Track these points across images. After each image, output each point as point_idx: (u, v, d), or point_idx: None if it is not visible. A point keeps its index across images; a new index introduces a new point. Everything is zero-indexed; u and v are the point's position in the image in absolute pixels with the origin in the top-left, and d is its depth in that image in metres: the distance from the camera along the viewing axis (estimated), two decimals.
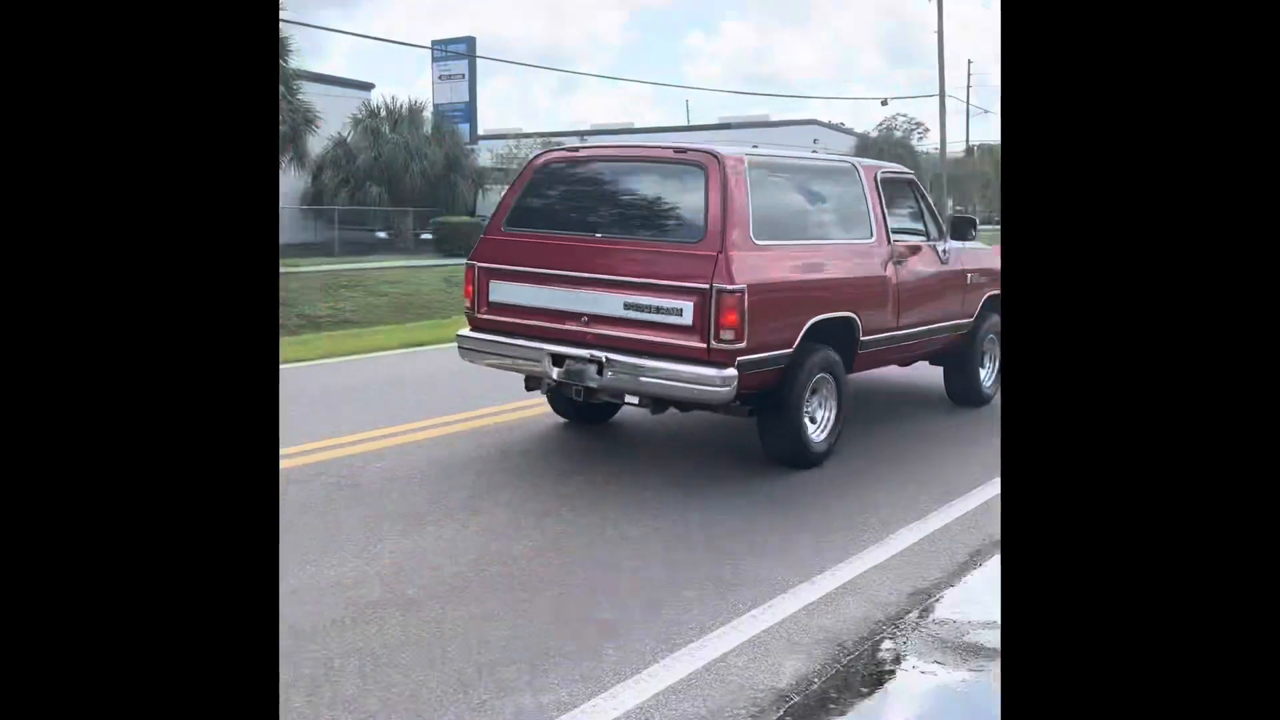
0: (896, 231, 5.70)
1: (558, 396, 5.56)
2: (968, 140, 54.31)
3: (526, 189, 5.31)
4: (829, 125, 48.74)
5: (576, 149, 5.52)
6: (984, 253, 6.70)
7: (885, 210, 5.62)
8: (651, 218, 4.97)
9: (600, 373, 4.68)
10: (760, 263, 4.58)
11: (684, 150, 4.90)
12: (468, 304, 5.36)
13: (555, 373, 4.85)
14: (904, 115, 49.98)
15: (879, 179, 5.75)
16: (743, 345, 4.42)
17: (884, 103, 51.41)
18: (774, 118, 48.11)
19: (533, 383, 5.23)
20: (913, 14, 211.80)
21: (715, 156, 4.65)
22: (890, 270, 5.48)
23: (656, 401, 4.80)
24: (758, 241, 4.63)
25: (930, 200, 6.39)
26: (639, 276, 4.64)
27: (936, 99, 38.77)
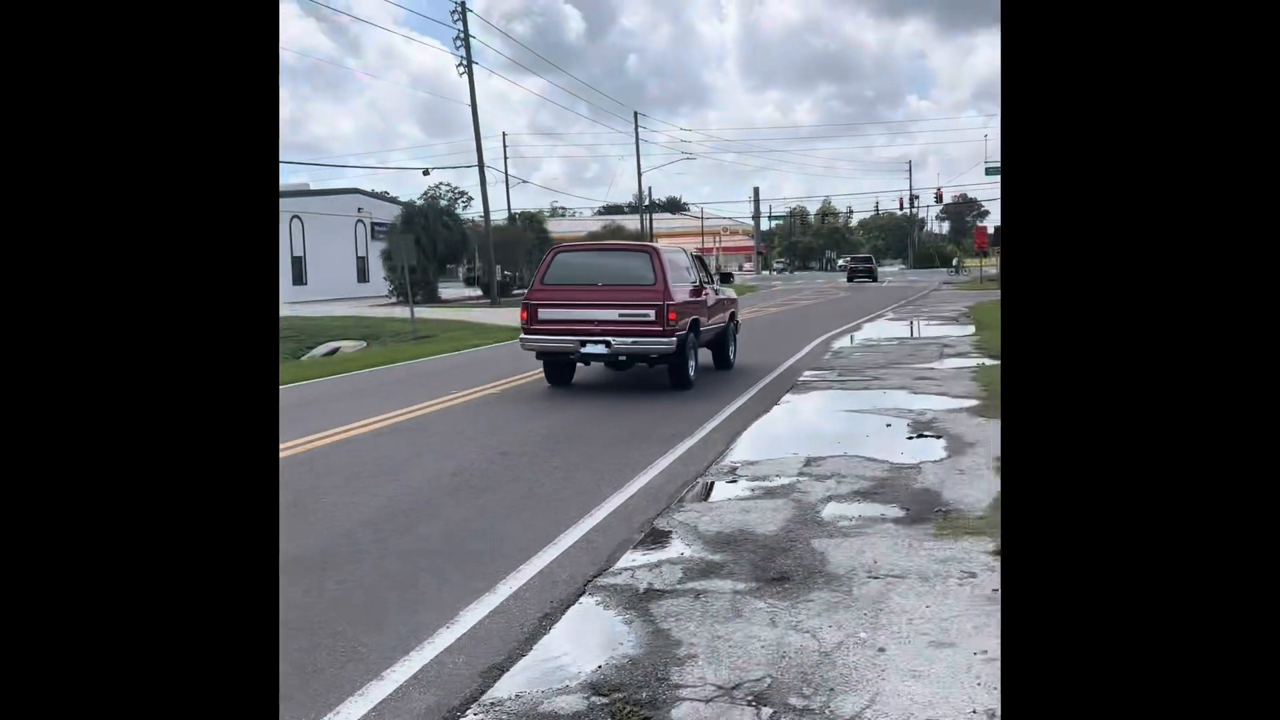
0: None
1: (553, 371, 11.51)
2: (509, 208, 57.56)
3: (550, 264, 11.26)
4: (372, 194, 49.08)
5: (576, 245, 14.14)
6: (729, 291, 14.16)
7: (704, 272, 12.64)
8: (626, 275, 10.83)
9: (608, 346, 10.49)
10: (677, 294, 10.65)
11: (639, 244, 12.45)
12: (523, 318, 10.89)
13: (583, 349, 10.62)
14: (447, 184, 51.37)
15: (699, 257, 13.18)
16: (678, 328, 10.43)
17: (425, 172, 52.93)
18: (314, 186, 47.43)
19: (554, 370, 11.51)
20: (448, 87, 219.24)
21: (655, 248, 11.43)
22: (708, 298, 12.04)
23: (631, 358, 10.86)
24: (672, 285, 10.59)
25: (707, 262, 13.97)
26: (626, 300, 10.47)
27: (476, 169, 40.80)
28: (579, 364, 11.50)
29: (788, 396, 10.62)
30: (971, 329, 19.23)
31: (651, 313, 10.35)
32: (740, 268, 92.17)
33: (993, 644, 3.63)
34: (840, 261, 74.28)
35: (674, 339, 10.40)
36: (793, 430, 8.87)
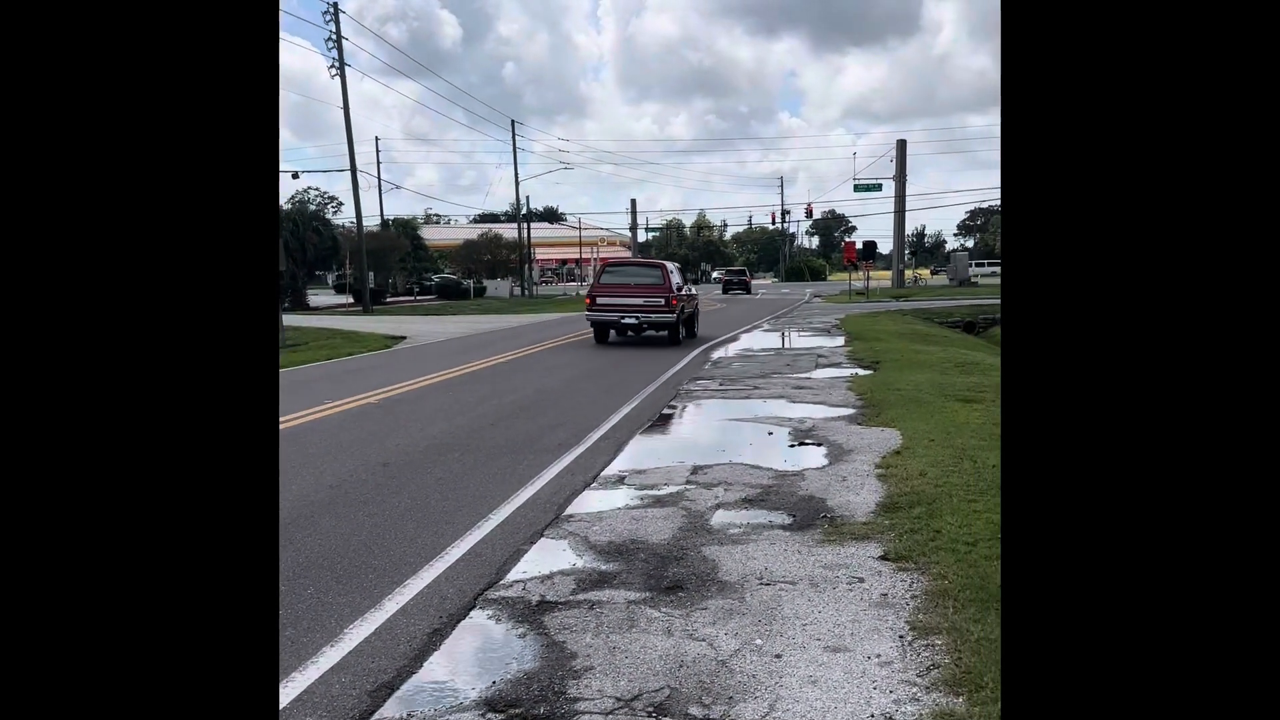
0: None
1: (601, 331, 19.26)
2: (382, 214, 56.29)
3: (602, 273, 20.36)
4: None
5: (617, 260, 27.75)
6: (695, 291, 22.80)
7: (683, 277, 21.68)
8: (647, 279, 19.18)
9: (637, 319, 18.63)
10: (682, 293, 19.41)
11: (656, 261, 22.62)
12: (587, 303, 19.21)
13: (627, 320, 18.66)
14: (316, 189, 49.98)
15: (681, 269, 23.26)
16: (676, 310, 18.56)
17: (295, 176, 51.24)
18: None
19: (601, 331, 19.29)
20: (319, 89, 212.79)
21: (664, 264, 20.05)
22: (687, 294, 20.56)
23: (650, 326, 18.75)
24: (673, 286, 18.84)
25: (681, 267, 25.30)
26: (648, 294, 18.61)
27: (348, 174, 39.73)
28: (614, 333, 19.49)
29: (671, 406, 10.68)
30: (843, 340, 19.81)
31: (662, 300, 18.54)
32: None
33: (885, 648, 3.70)
34: (715, 274, 75.59)
35: (674, 315, 18.66)
36: (678, 439, 8.91)
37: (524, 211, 57.26)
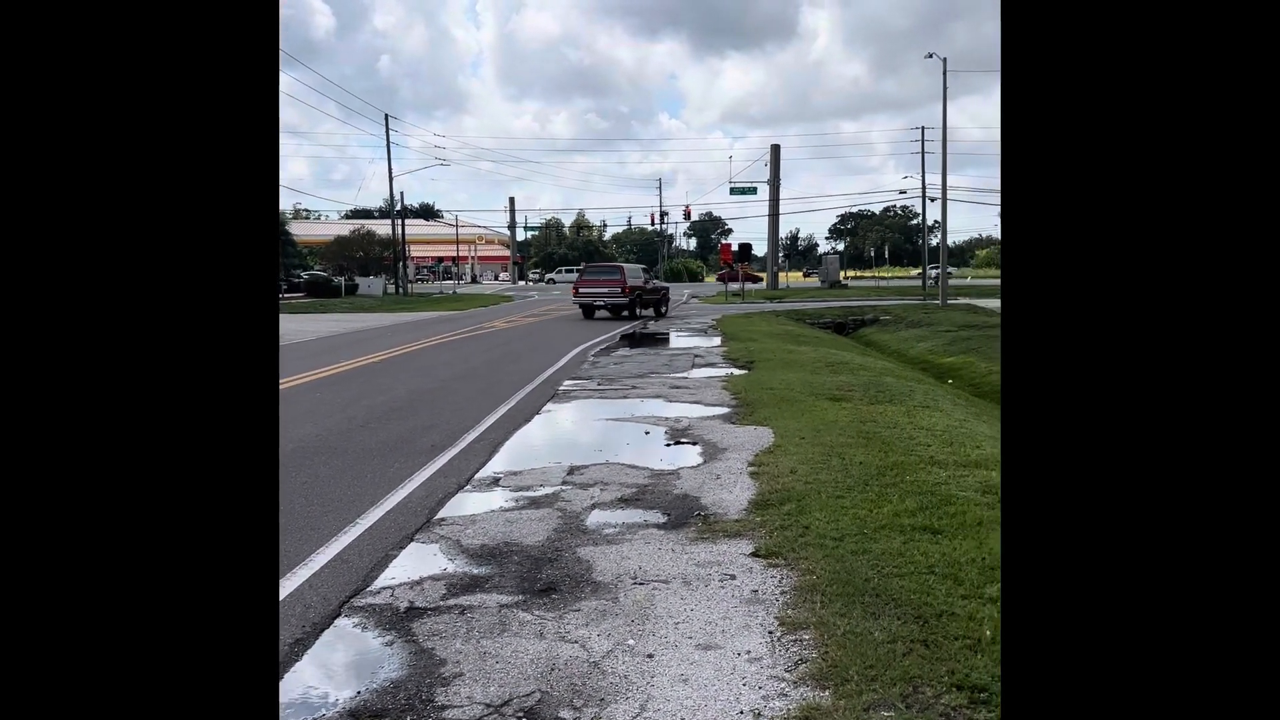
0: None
1: (587, 311, 28.45)
2: None
3: (584, 270, 31.38)
4: None
5: (594, 265, 34.41)
6: (663, 284, 34.51)
7: (647, 276, 31.64)
8: (610, 274, 29.03)
9: (605, 301, 27.98)
10: (631, 282, 28.10)
11: (617, 264, 34.40)
12: (574, 292, 29.18)
13: (598, 304, 28.06)
14: None
15: (647, 270, 34.56)
16: (629, 295, 27.75)
17: None
18: None
19: (587, 310, 28.50)
20: None
21: (621, 266, 30.07)
22: (647, 286, 29.92)
23: (612, 307, 28.00)
24: (628, 281, 28.09)
25: (649, 272, 36.09)
26: (612, 285, 28.09)
27: None
28: (585, 315, 28.17)
29: (548, 406, 10.61)
30: (719, 340, 20.11)
31: (619, 289, 27.38)
32: (496, 277, 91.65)
33: (754, 644, 3.75)
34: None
35: (627, 299, 27.36)
36: (554, 439, 8.86)
37: (398, 208, 56.01)
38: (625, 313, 27.62)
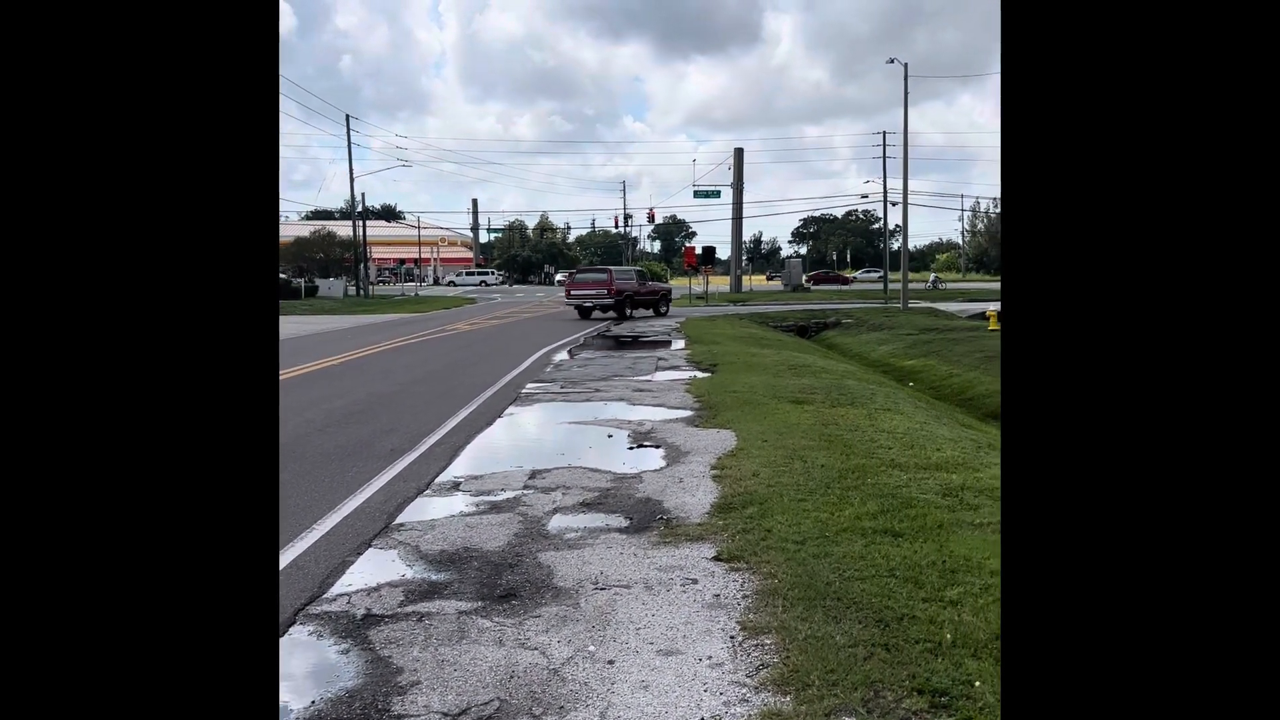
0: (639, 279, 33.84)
1: (580, 310, 30.28)
2: None
3: (574, 273, 34.81)
4: None
5: (583, 269, 39.08)
6: (662, 285, 37.46)
7: (642, 279, 34.31)
8: (598, 276, 31.70)
9: (594, 302, 30.16)
10: (619, 285, 30.67)
11: (604, 268, 34.52)
12: (564, 295, 31.95)
13: (587, 305, 30.19)
14: None
15: (641, 272, 37.13)
16: (614, 294, 30.16)
17: None
18: None
19: (583, 311, 30.15)
20: None
21: (610, 270, 32.37)
22: (641, 287, 32.61)
23: (602, 307, 30.26)
24: (616, 283, 30.64)
25: (641, 268, 42.84)
26: (599, 287, 30.39)
27: None
28: (579, 313, 30.03)
29: (511, 409, 10.54)
30: (683, 343, 20.13)
31: (605, 291, 29.67)
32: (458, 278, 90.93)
33: (716, 649, 3.73)
34: (559, 277, 75.49)
35: (613, 299, 29.70)
36: (516, 443, 8.79)
37: (359, 208, 55.46)
38: (613, 312, 30.27)
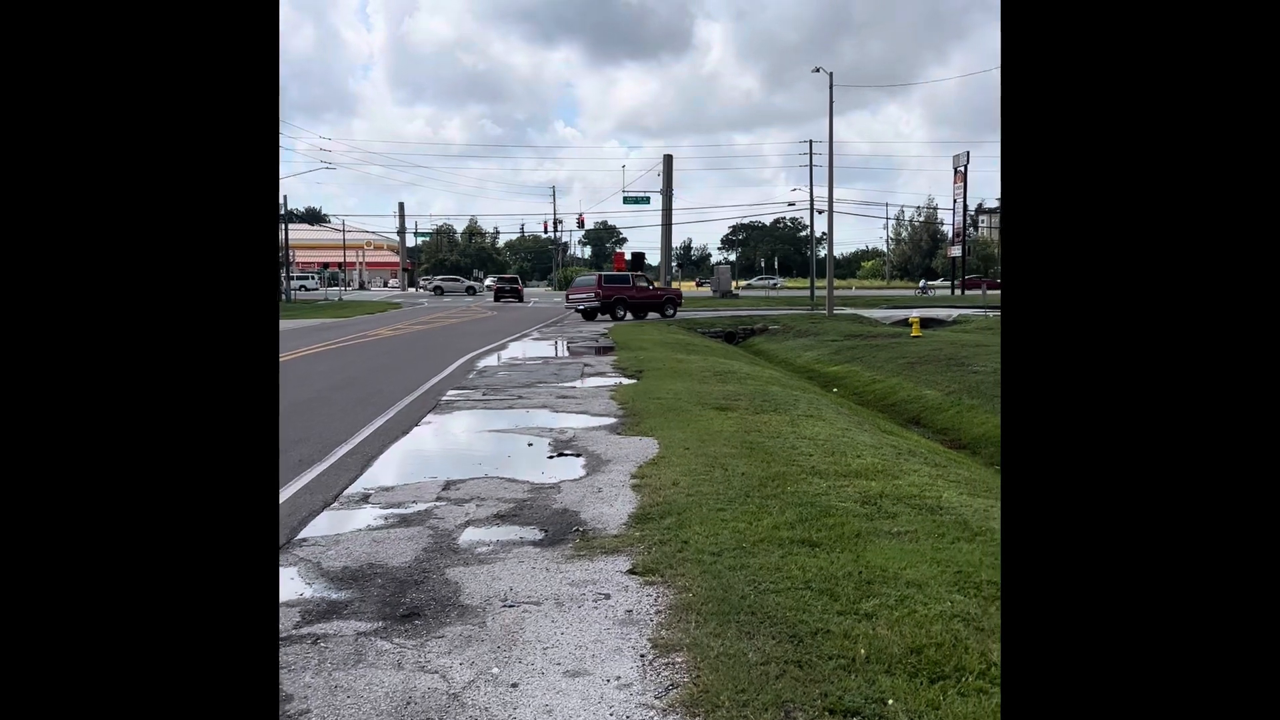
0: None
1: (586, 313, 34.51)
2: None
3: (575, 281, 40.88)
4: None
5: (579, 276, 45.45)
6: (668, 287, 45.72)
7: (641, 283, 38.26)
8: (589, 280, 37.52)
9: (584, 306, 34.87)
10: (610, 290, 35.33)
11: (595, 273, 42.65)
12: (565, 298, 38.74)
13: (583, 307, 34.95)
14: None
15: (640, 275, 40.99)
16: (602, 299, 34.73)
17: None
18: None
19: (587, 313, 34.53)
20: None
21: (601, 275, 38.39)
22: (638, 290, 36.82)
23: (591, 309, 34.68)
24: (605, 286, 35.57)
25: (644, 273, 47.15)
26: (591, 291, 35.42)
27: None
28: (581, 314, 34.44)
29: (429, 417, 10.27)
30: (610, 349, 20.00)
31: (593, 294, 34.52)
32: (385, 284, 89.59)
33: (625, 669, 3.59)
34: (487, 281, 74.77)
35: (598, 302, 34.11)
36: (433, 452, 8.55)
37: (282, 211, 54.19)
38: (605, 312, 34.29)
